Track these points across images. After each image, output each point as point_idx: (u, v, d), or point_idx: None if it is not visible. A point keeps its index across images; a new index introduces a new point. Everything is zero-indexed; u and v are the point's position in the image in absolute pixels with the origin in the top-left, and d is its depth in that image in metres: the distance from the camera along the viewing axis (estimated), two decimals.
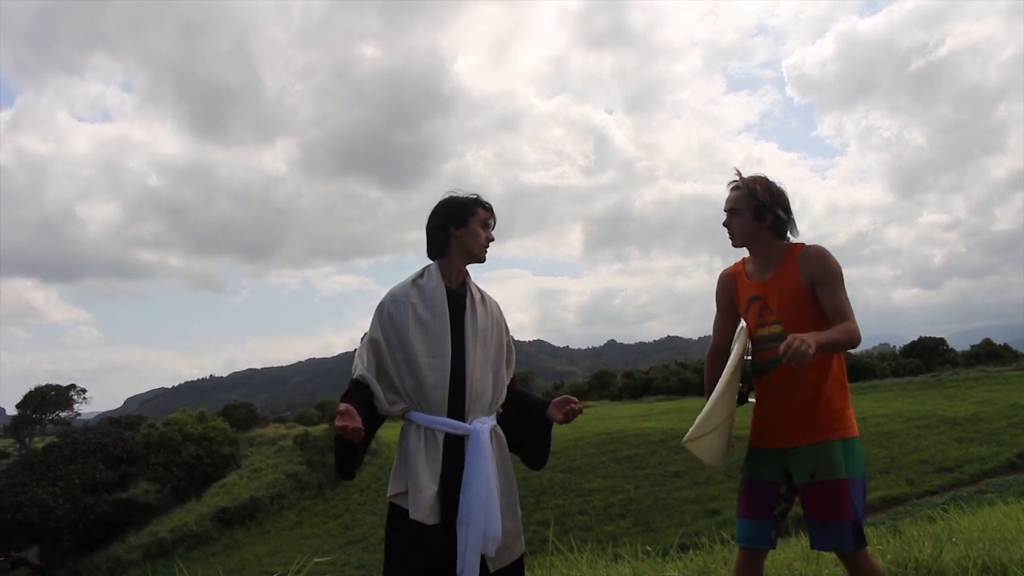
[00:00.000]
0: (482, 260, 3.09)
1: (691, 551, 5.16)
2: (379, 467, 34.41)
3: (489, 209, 3.10)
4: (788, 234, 3.13)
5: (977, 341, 70.06)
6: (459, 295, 3.04)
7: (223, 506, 32.58)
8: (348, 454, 2.83)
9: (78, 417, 50.99)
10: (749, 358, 3.18)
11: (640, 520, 26.91)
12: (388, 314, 2.93)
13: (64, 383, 49.28)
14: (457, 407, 2.90)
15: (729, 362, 3.14)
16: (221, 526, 31.76)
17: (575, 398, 3.13)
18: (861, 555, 2.96)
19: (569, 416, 3.10)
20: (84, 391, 49.38)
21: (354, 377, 2.89)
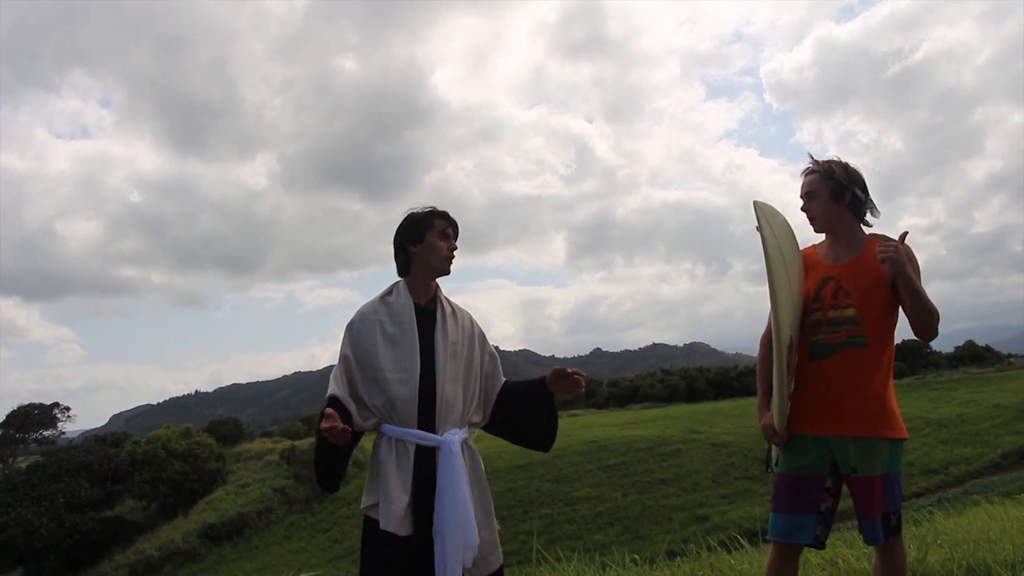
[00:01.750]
0: (446, 272, 3.09)
1: (678, 558, 5.17)
2: (366, 480, 34.31)
3: (447, 218, 3.08)
4: (868, 215, 3.16)
5: (960, 343, 70.66)
6: (429, 311, 3.05)
7: (210, 522, 32.33)
8: (330, 464, 2.88)
9: (62, 435, 50.43)
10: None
11: (628, 528, 26.90)
12: (357, 332, 2.96)
13: (48, 401, 48.88)
14: (428, 420, 2.91)
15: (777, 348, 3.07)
16: (208, 542, 31.51)
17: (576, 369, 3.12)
18: (897, 544, 3.07)
19: (576, 386, 3.09)
20: (68, 409, 48.97)
21: (329, 395, 2.91)
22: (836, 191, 3.11)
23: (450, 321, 3.06)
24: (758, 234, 3.00)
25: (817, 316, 3.11)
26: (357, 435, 2.92)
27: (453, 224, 3.10)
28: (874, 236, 3.14)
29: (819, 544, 3.06)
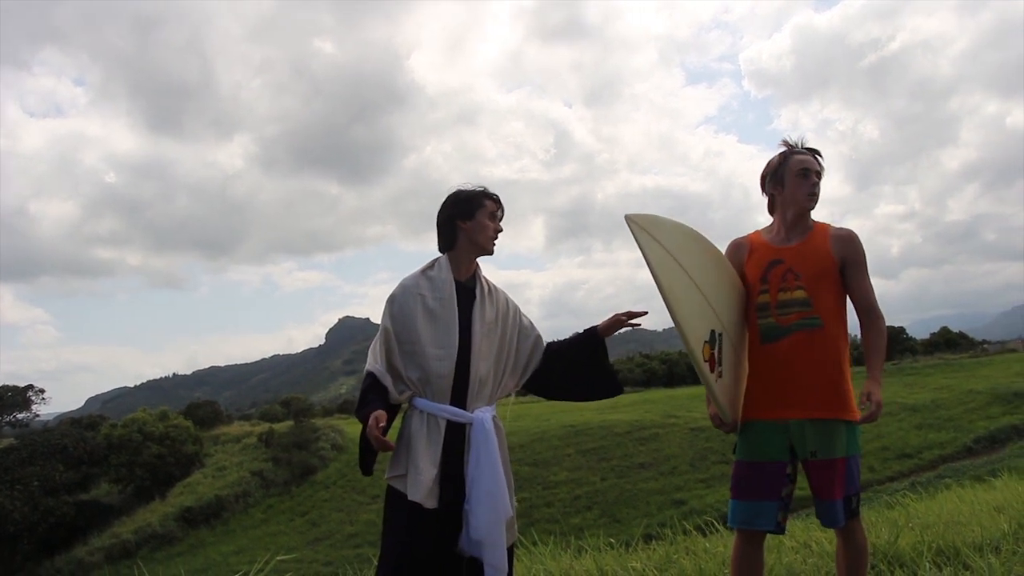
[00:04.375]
0: (490, 252, 3.13)
1: (654, 542, 5.21)
2: (345, 463, 34.26)
3: (497, 200, 3.13)
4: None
5: (935, 329, 71.44)
6: (469, 288, 3.08)
7: (187, 506, 32.24)
8: (369, 451, 2.88)
9: (37, 418, 50.03)
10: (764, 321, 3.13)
11: (606, 512, 27.08)
12: (399, 305, 2.97)
13: (22, 384, 48.47)
14: (460, 396, 2.96)
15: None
16: (185, 526, 31.43)
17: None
18: (857, 527, 3.08)
19: (628, 318, 3.19)
20: (43, 391, 48.56)
21: (368, 369, 2.95)
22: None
23: (488, 300, 3.10)
24: (677, 236, 3.02)
25: (765, 298, 3.13)
26: (394, 409, 2.96)
27: (502, 207, 3.15)
28: (820, 222, 3.20)
29: (780, 530, 3.08)
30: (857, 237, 3.11)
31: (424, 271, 3.08)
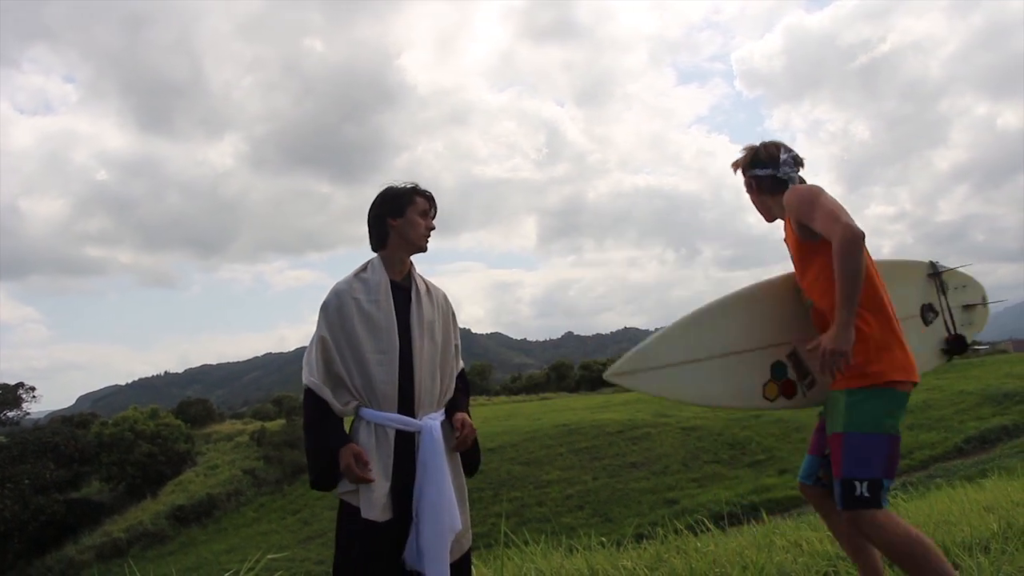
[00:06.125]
0: (423, 249, 3.06)
1: (645, 541, 5.22)
2: None
3: (428, 197, 3.07)
4: (787, 174, 3.10)
5: None
6: (404, 287, 3.01)
7: (179, 504, 32.17)
8: (328, 470, 2.80)
9: (27, 416, 49.83)
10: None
11: (598, 511, 27.10)
12: (334, 311, 2.88)
13: (12, 382, 48.28)
14: (407, 402, 2.87)
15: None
16: (177, 524, 31.36)
17: (468, 422, 3.03)
18: (861, 519, 2.74)
19: (460, 444, 3.01)
20: (33, 389, 48.38)
21: (304, 383, 2.85)
22: (754, 185, 3.17)
23: (425, 299, 3.03)
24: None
25: None
26: (340, 422, 2.87)
27: (433, 204, 3.09)
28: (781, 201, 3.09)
29: (822, 485, 3.02)
30: (796, 192, 2.96)
31: (357, 274, 2.98)
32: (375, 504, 2.75)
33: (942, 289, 3.76)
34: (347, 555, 2.81)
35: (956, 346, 3.72)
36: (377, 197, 3.06)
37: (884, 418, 2.79)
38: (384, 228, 3.02)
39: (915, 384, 2.92)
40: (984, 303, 3.99)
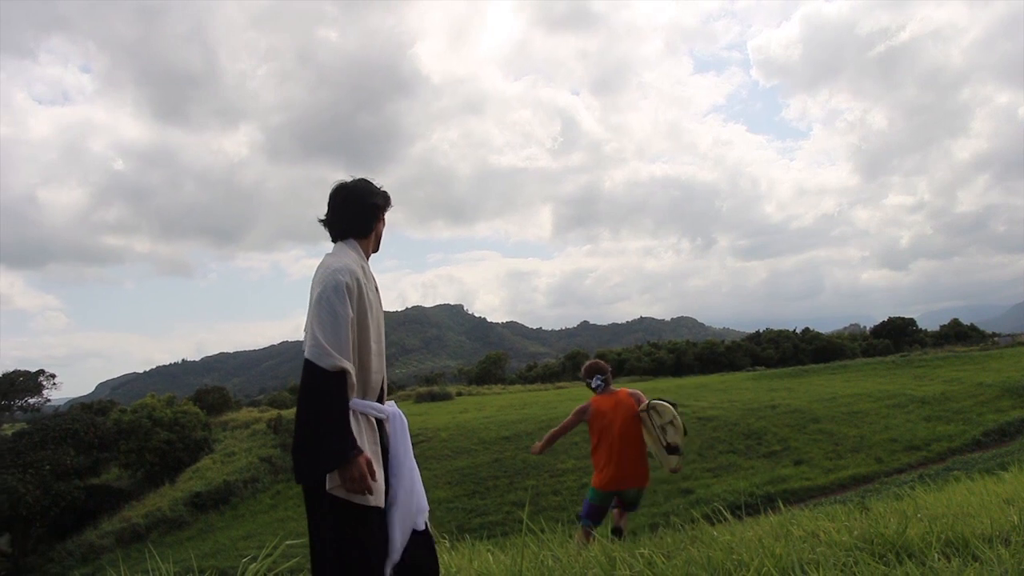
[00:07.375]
0: (375, 251, 3.11)
1: (660, 530, 5.23)
2: None
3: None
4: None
5: (945, 321, 71.24)
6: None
7: (197, 491, 32.39)
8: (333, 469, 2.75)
9: (48, 403, 50.36)
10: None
11: None
12: (356, 295, 2.80)
13: (33, 369, 48.77)
14: (381, 391, 2.97)
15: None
16: (195, 511, 31.58)
17: None
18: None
19: None
20: (54, 376, 48.90)
21: (329, 366, 2.67)
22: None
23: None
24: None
25: None
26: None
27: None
28: None
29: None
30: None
31: (356, 259, 2.93)
32: (379, 491, 2.80)
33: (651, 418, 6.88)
34: (360, 551, 2.75)
35: (674, 449, 6.62)
36: (369, 186, 3.05)
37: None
38: (374, 218, 3.04)
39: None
40: (672, 421, 6.77)
